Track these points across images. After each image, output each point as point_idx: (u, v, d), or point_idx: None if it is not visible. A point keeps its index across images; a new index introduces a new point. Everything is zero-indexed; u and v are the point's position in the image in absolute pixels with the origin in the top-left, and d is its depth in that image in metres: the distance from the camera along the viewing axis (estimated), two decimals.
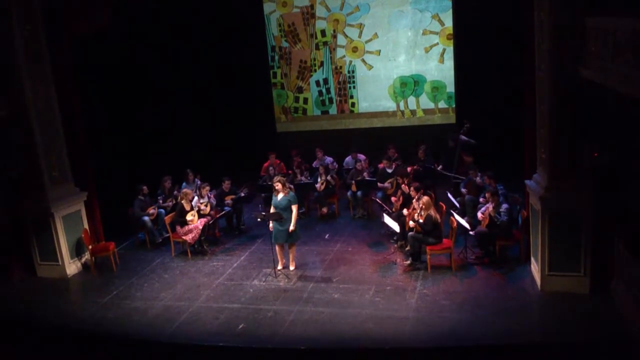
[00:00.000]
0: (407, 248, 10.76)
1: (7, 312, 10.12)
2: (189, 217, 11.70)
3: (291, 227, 10.42)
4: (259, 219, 11.13)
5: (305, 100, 16.67)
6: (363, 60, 16.01)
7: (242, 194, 13.00)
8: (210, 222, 12.13)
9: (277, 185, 10.50)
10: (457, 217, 10.56)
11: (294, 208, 10.48)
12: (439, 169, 13.23)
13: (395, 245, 11.47)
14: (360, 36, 15.87)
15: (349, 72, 16.17)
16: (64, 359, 9.09)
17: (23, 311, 10.16)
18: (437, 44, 15.43)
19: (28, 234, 11.30)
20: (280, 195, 10.48)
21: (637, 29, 6.56)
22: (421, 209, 10.44)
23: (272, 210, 10.60)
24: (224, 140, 16.15)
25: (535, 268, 9.71)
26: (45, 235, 11.20)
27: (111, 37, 12.50)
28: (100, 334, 9.17)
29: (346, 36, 15.97)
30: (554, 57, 8.56)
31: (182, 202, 11.81)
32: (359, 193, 13.31)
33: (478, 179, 11.85)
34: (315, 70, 16.40)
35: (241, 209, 13.14)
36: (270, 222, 10.55)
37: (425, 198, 10.45)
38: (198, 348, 8.58)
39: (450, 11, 15.15)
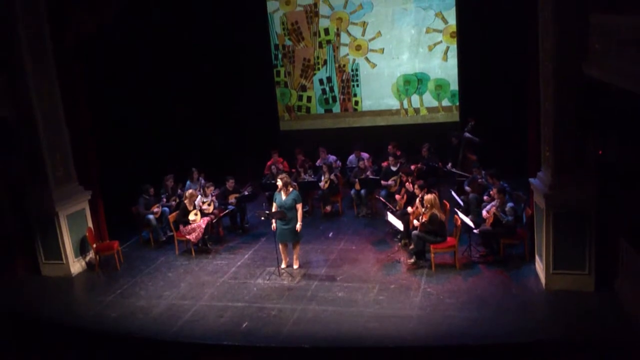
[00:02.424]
0: (411, 246, 10.74)
1: (12, 311, 10.14)
2: (191, 216, 11.71)
3: (298, 226, 10.42)
4: (262, 218, 11.13)
5: (309, 99, 16.66)
6: (366, 59, 15.99)
7: (246, 193, 13.01)
8: (214, 220, 12.15)
9: (280, 183, 10.48)
10: (461, 215, 10.55)
11: (299, 207, 10.48)
12: (448, 167, 13.18)
13: (399, 244, 11.45)
14: (363, 34, 15.85)
15: (352, 70, 16.16)
16: (69, 357, 9.12)
17: (28, 310, 10.18)
18: (441, 42, 15.40)
19: (33, 232, 11.32)
20: (284, 194, 10.48)
21: (639, 26, 6.53)
22: (425, 207, 10.42)
23: (274, 209, 10.60)
24: (227, 138, 16.14)
25: (539, 266, 9.68)
26: (50, 234, 11.22)
27: (115, 36, 12.52)
28: (104, 332, 9.18)
29: (349, 34, 15.96)
30: (557, 54, 8.54)
31: (185, 202, 11.84)
32: (362, 191, 13.30)
33: (480, 180, 11.83)
34: (318, 69, 16.39)
35: (245, 208, 13.14)
36: (274, 221, 10.56)
37: (429, 196, 10.41)
38: (202, 346, 8.58)
39: (454, 9, 15.10)
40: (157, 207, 12.47)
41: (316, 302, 9.54)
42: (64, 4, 10.92)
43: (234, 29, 15.89)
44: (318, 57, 16.30)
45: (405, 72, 15.82)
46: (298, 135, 16.49)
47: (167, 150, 14.54)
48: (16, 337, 9.41)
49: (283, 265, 10.78)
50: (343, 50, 16.10)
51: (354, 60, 16.09)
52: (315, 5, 15.97)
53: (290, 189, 10.57)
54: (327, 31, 16.08)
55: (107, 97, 13.19)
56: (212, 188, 12.56)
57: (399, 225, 10.86)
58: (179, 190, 12.92)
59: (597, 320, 8.34)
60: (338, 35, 16.04)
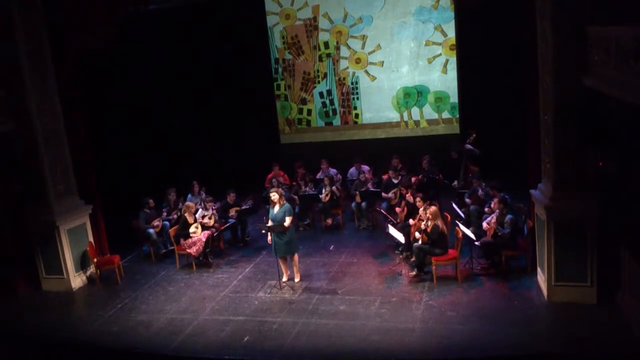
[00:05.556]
0: (413, 259, 10.72)
1: (13, 326, 10.11)
2: (192, 229, 11.71)
3: (286, 223, 10.29)
4: (262, 231, 11.12)
5: (309, 112, 16.70)
6: (366, 72, 16.04)
7: (247, 206, 12.99)
8: (215, 234, 12.13)
9: (274, 197, 10.46)
10: (462, 227, 10.52)
11: (288, 219, 10.38)
12: (454, 185, 13.10)
13: (401, 256, 11.42)
14: (363, 47, 15.91)
15: (352, 83, 16.20)
16: None
17: (28, 325, 10.16)
18: (440, 54, 15.45)
19: (33, 247, 11.31)
20: (277, 208, 10.46)
21: (638, 37, 6.55)
22: (428, 218, 10.40)
23: (269, 223, 10.55)
24: (228, 152, 16.16)
25: (541, 278, 9.65)
26: (51, 248, 11.21)
27: (116, 51, 12.56)
28: (105, 347, 9.15)
29: (349, 48, 16.01)
30: (556, 66, 8.57)
31: (185, 215, 11.83)
32: (363, 204, 13.29)
33: (480, 192, 11.81)
34: (318, 82, 16.43)
35: (246, 221, 13.13)
36: (269, 235, 10.53)
37: (432, 208, 10.41)
38: None
39: (453, 22, 15.16)
40: (158, 221, 12.46)
41: (318, 315, 9.51)
42: (64, 21, 10.98)
43: (235, 43, 15.95)
44: (318, 71, 16.35)
45: (405, 84, 15.85)
46: (299, 148, 16.50)
47: (168, 164, 14.55)
48: (17, 353, 9.36)
49: (284, 279, 10.76)
50: (343, 64, 16.16)
51: (354, 73, 16.14)
52: (315, 19, 16.05)
53: (283, 202, 10.56)
54: (326, 44, 16.15)
55: (108, 111, 13.22)
56: (213, 201, 12.55)
57: (400, 237, 10.84)
58: (180, 204, 12.91)
59: (599, 333, 8.30)
60: (338, 48, 16.10)
